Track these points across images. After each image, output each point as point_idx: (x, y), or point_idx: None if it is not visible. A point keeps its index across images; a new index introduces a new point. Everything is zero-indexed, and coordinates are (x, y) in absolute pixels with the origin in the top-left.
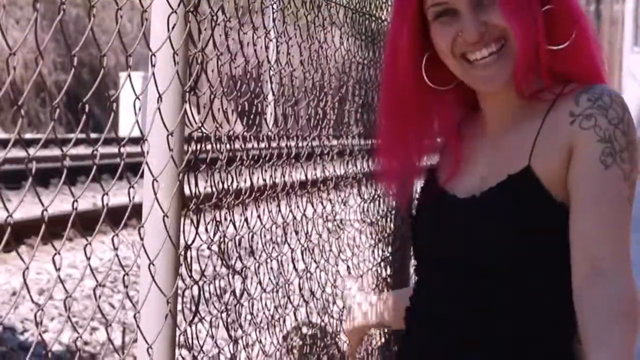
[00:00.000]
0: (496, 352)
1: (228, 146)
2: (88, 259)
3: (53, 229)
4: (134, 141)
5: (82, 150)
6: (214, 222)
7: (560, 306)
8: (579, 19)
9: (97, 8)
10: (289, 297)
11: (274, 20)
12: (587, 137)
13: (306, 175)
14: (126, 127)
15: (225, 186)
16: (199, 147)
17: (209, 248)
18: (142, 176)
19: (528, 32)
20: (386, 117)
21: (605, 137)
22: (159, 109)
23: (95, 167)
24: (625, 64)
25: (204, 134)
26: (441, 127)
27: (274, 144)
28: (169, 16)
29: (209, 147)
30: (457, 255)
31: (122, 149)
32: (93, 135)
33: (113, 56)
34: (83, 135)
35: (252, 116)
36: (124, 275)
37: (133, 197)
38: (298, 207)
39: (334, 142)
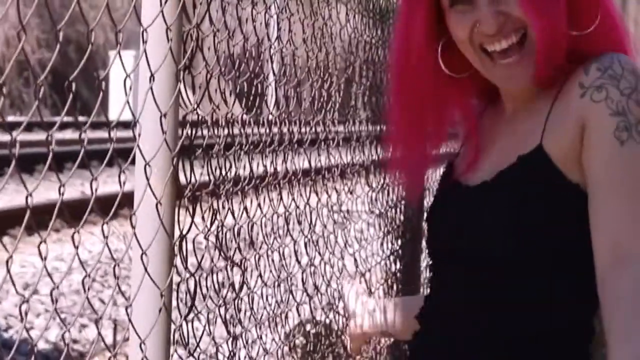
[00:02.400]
0: (509, 347)
1: (226, 130)
2: (76, 247)
3: (38, 218)
4: (125, 125)
5: (70, 134)
6: (211, 210)
7: (576, 298)
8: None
9: None
10: (291, 292)
11: None
12: (599, 111)
13: (310, 163)
14: (116, 109)
15: (223, 172)
16: (194, 131)
17: (205, 238)
18: (133, 162)
19: (548, 24)
20: (398, 104)
21: (618, 109)
22: (151, 88)
23: (83, 153)
24: None
25: (200, 117)
26: (460, 116)
27: (275, 129)
28: None
29: (205, 131)
30: (469, 245)
31: (111, 133)
32: (81, 119)
33: (102, 33)
34: (70, 118)
35: (251, 98)
36: (114, 266)
37: (124, 183)
38: (301, 195)
39: (340, 127)
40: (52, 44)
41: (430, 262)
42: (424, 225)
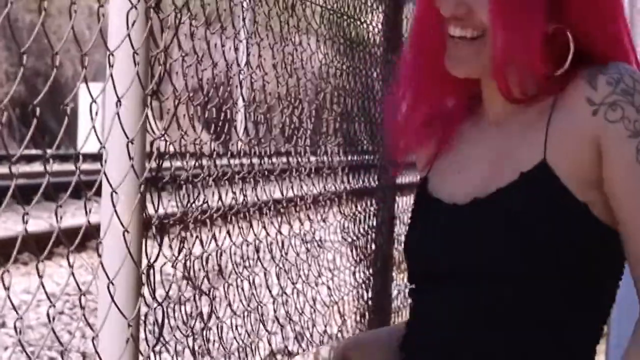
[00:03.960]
0: None
1: (194, 162)
2: (40, 277)
3: (4, 250)
4: (94, 157)
5: (37, 167)
6: (179, 238)
7: (578, 319)
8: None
9: (54, 14)
10: (262, 322)
11: (243, 20)
12: (617, 133)
13: (281, 191)
14: (85, 143)
15: (192, 200)
16: (162, 156)
17: (173, 267)
18: (99, 193)
19: (512, 41)
20: (413, 51)
21: (636, 129)
22: (117, 114)
23: (49, 184)
24: None
25: (168, 143)
26: (446, 114)
27: (245, 159)
28: (128, 12)
29: (173, 159)
30: (471, 265)
31: (78, 164)
32: (49, 151)
33: (70, 65)
34: (39, 151)
35: (220, 124)
36: (80, 296)
37: (90, 211)
38: (272, 224)
39: (312, 158)
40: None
41: (412, 287)
42: (396, 251)
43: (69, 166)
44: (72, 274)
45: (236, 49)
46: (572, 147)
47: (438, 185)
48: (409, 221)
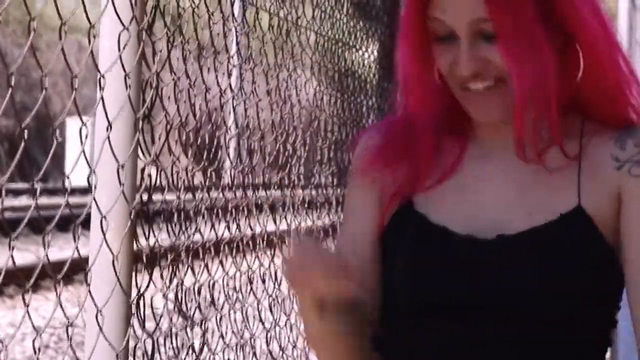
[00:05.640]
0: None
1: (185, 192)
2: (26, 305)
3: None
4: (83, 191)
5: (25, 200)
6: (171, 268)
7: (590, 353)
8: (598, 40)
9: (42, 49)
10: (255, 354)
11: (237, 44)
12: (638, 185)
13: (275, 222)
14: (75, 177)
15: (183, 229)
16: (154, 186)
17: (164, 297)
18: (87, 226)
19: (530, 73)
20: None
21: None
22: (108, 138)
23: (38, 217)
24: None
25: (160, 169)
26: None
27: (238, 193)
28: (119, 34)
29: (166, 192)
30: (490, 302)
31: (67, 194)
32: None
33: (59, 100)
34: (26, 185)
35: (212, 151)
36: (67, 326)
37: (78, 237)
38: (265, 253)
39: (305, 190)
40: (8, 111)
41: (408, 317)
42: (397, 274)
43: (57, 199)
44: (60, 303)
45: (229, 74)
46: (600, 197)
47: (438, 211)
48: (393, 239)
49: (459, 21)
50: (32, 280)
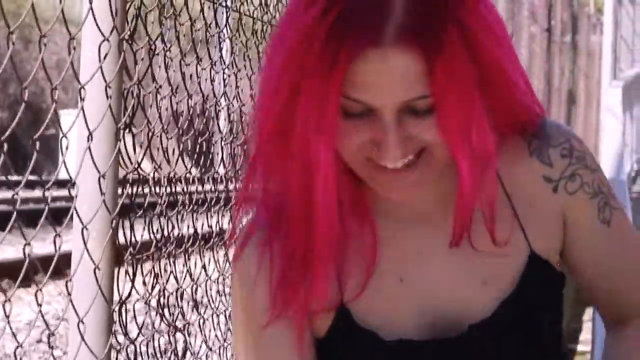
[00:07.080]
0: None
1: (168, 189)
2: (7, 301)
3: None
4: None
5: (21, 193)
6: (153, 273)
7: None
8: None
9: (34, 41)
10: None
11: (220, 50)
12: (579, 200)
13: None
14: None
15: (166, 233)
16: (134, 190)
17: (146, 303)
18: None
19: (474, 145)
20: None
21: (594, 189)
22: (89, 148)
23: (16, 212)
24: (603, 98)
25: (141, 177)
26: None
27: (221, 187)
28: (100, 44)
29: (146, 190)
30: None
31: (51, 192)
32: (31, 177)
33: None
34: (19, 178)
35: (196, 156)
36: (49, 335)
37: (59, 235)
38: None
39: None
40: (1, 104)
41: None
42: None
43: (52, 192)
44: (40, 312)
45: (212, 80)
46: (546, 229)
47: (384, 321)
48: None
49: (387, 102)
50: (20, 277)
